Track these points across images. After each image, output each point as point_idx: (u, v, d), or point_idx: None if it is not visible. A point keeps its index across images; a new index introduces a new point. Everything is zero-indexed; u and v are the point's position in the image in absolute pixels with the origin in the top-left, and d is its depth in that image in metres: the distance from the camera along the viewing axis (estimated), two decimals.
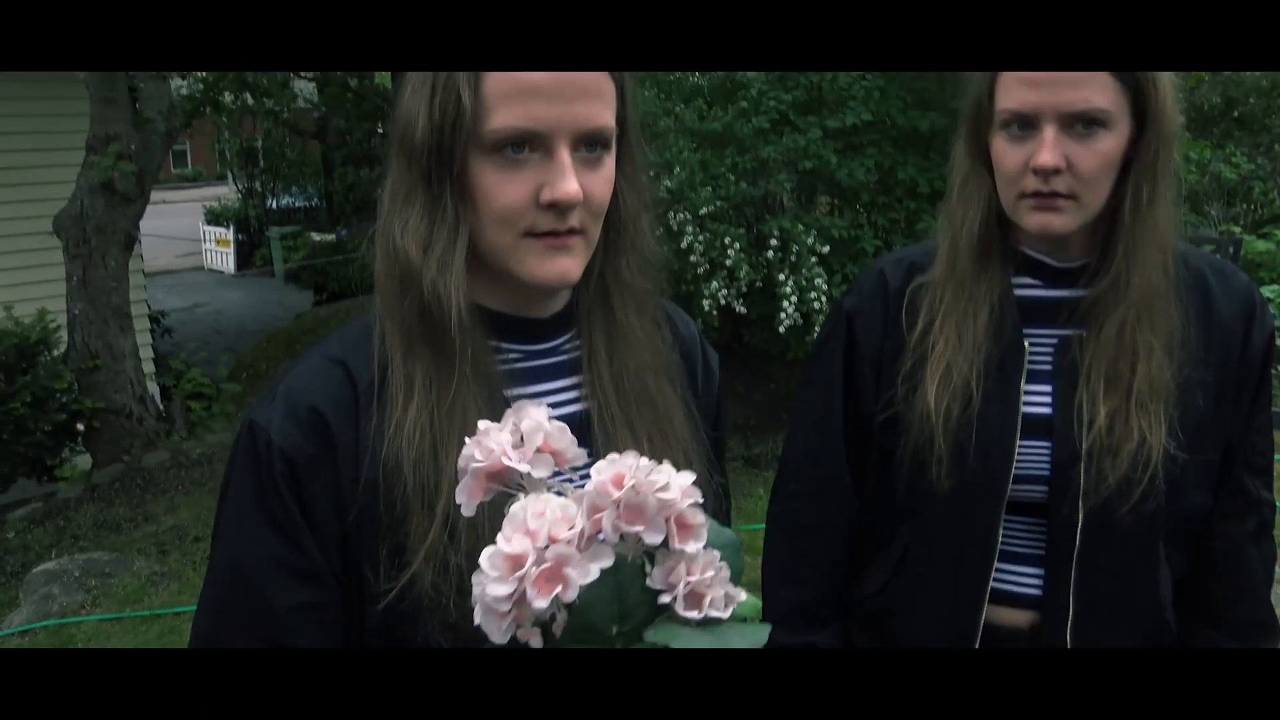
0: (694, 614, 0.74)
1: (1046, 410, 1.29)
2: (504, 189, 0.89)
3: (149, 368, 7.31)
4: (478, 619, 0.72)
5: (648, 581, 0.75)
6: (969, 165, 1.31)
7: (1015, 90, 1.20)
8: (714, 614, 0.75)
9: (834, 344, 1.42)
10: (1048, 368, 1.29)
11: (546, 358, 1.01)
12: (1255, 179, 10.08)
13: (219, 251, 16.26)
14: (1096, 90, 1.17)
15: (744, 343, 6.17)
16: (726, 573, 0.76)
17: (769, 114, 5.19)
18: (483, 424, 0.77)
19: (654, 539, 0.73)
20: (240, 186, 17.05)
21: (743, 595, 0.77)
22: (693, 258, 5.21)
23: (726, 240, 5.19)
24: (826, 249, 5.13)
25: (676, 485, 0.72)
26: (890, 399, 1.35)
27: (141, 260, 7.88)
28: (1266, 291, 8.07)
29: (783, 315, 5.06)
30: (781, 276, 5.18)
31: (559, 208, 0.89)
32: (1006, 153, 1.23)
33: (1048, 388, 1.29)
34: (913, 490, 1.33)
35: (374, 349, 0.95)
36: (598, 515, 0.72)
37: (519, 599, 0.69)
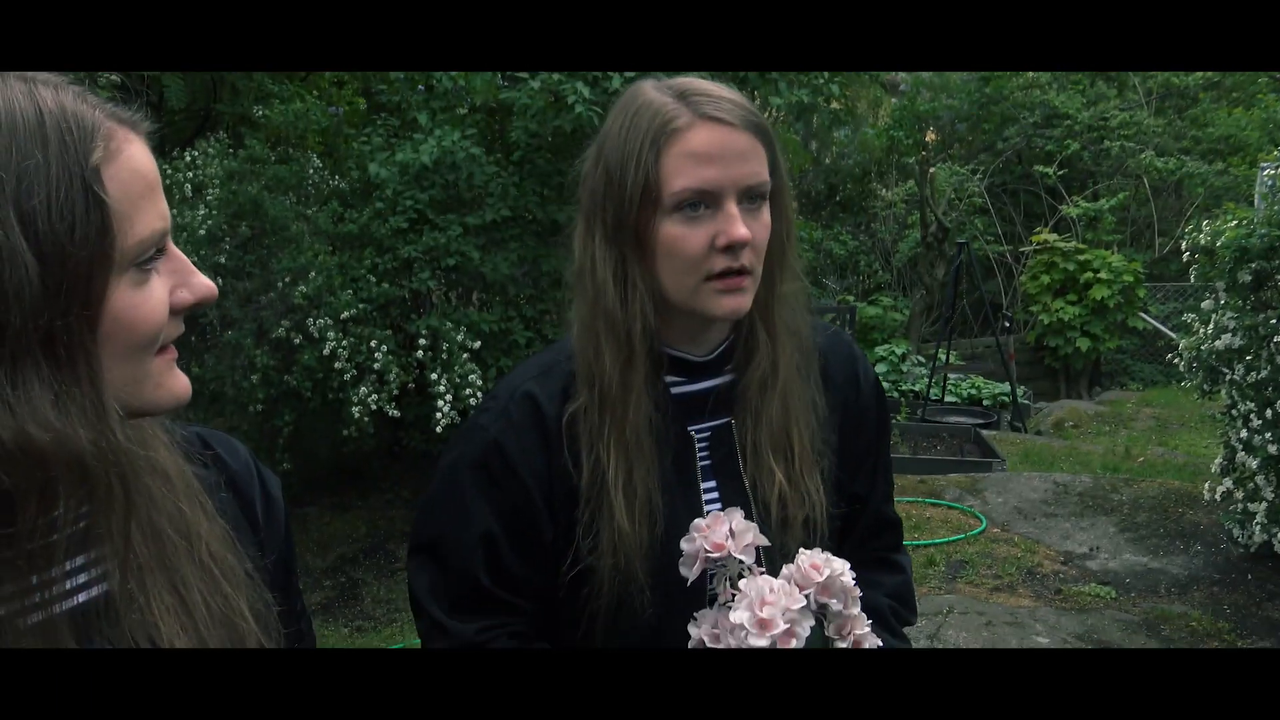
0: None
1: (717, 507, 1.23)
2: None
3: None
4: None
5: (826, 632, 1.10)
6: (625, 259, 1.19)
7: (690, 169, 1.13)
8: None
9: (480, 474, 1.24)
10: (708, 462, 1.25)
11: None
12: (860, 254, 12.04)
13: None
14: (760, 165, 1.16)
15: (404, 446, 5.98)
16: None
17: (406, 214, 5.14)
18: (700, 521, 1.14)
19: (838, 607, 1.09)
20: None
21: (879, 642, 1.14)
22: (337, 364, 4.99)
23: (373, 344, 5.03)
24: (478, 344, 5.13)
25: (848, 569, 1.10)
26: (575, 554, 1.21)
27: None
28: (879, 350, 9.32)
29: (439, 415, 4.97)
30: (434, 376, 5.11)
31: None
32: (687, 236, 1.15)
33: (712, 483, 1.25)
34: (612, 630, 1.22)
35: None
36: (804, 590, 1.08)
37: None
